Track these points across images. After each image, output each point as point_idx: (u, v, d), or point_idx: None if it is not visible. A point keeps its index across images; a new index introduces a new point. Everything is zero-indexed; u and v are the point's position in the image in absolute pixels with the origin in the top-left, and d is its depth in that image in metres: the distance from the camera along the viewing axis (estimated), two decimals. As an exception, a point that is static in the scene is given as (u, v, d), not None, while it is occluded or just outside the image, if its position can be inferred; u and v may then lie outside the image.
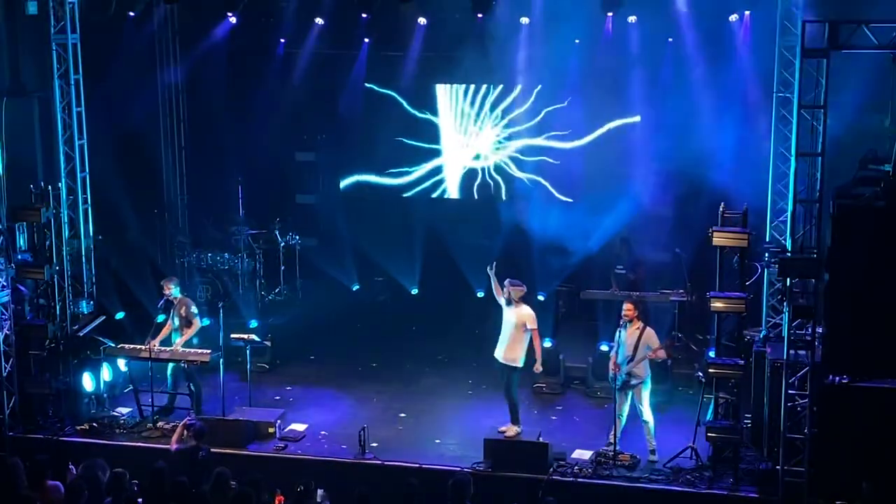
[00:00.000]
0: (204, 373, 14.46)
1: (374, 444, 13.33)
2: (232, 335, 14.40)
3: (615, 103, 18.08)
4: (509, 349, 13.40)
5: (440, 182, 19.53)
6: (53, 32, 14.74)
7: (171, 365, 14.39)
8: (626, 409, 13.08)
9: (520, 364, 13.45)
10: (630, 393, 13.06)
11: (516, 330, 13.34)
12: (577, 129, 18.48)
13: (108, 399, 14.65)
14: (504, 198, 19.10)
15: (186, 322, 14.34)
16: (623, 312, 13.10)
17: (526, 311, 13.39)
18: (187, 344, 14.31)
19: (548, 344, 15.55)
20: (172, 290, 14.36)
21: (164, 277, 15.03)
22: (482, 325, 17.61)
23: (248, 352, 14.45)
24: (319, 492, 11.13)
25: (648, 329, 13.11)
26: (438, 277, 18.65)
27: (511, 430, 13.39)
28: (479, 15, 17.12)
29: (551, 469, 12.59)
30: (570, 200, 18.52)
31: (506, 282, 13.45)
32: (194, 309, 14.43)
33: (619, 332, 13.10)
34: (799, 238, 12.00)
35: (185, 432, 12.18)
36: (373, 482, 11.93)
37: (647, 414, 13.12)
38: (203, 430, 12.09)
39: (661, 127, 17.40)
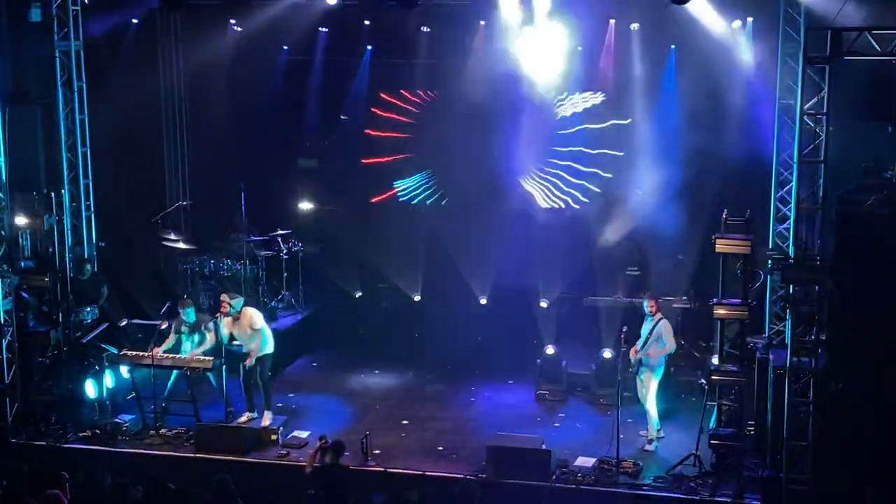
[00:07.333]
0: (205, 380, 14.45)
1: (377, 452, 13.31)
2: (234, 342, 14.39)
3: (617, 108, 18.10)
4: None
5: (440, 188, 19.57)
6: (57, 39, 14.79)
7: (175, 373, 14.36)
8: (646, 397, 13.52)
9: None
10: (642, 378, 13.46)
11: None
12: (577, 137, 18.49)
13: (111, 406, 14.63)
14: (508, 202, 19.06)
15: (203, 338, 14.39)
16: (647, 308, 13.58)
17: None
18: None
19: (551, 350, 15.56)
20: (189, 313, 14.41)
21: (181, 297, 15.28)
22: (485, 332, 17.68)
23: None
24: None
25: (665, 321, 13.51)
26: (441, 284, 18.64)
27: None
28: (482, 22, 17.22)
29: (554, 476, 12.57)
30: (561, 206, 18.59)
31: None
32: (211, 325, 14.43)
33: (644, 325, 13.59)
34: (802, 245, 11.99)
35: (321, 454, 11.87)
36: (375, 489, 11.91)
37: (650, 403, 13.46)
38: (343, 448, 11.93)
39: (662, 133, 17.39)
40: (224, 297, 14.16)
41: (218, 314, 14.08)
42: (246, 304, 14.40)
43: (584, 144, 18.46)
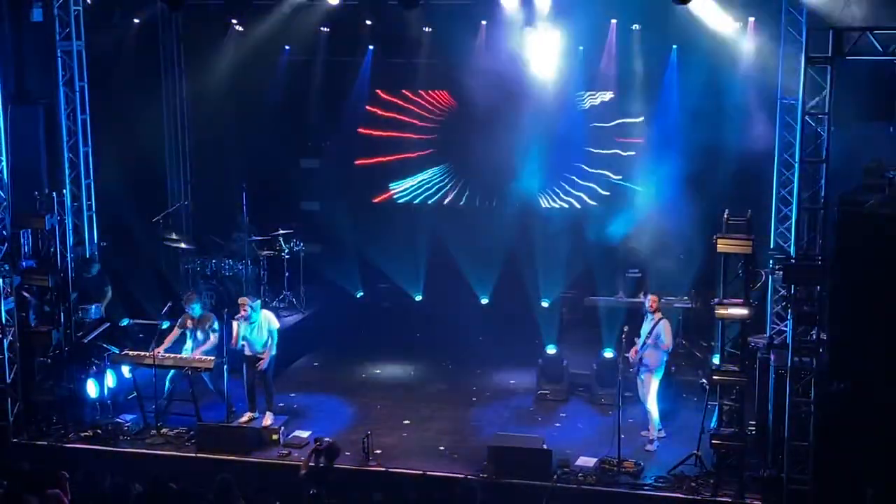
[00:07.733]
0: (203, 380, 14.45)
1: (378, 451, 13.31)
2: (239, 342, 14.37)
3: (618, 109, 18.11)
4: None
5: (442, 188, 19.57)
6: (59, 39, 14.78)
7: (171, 371, 14.35)
8: (647, 396, 13.54)
9: None
10: (643, 378, 13.47)
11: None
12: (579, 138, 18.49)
13: (112, 406, 14.63)
14: (509, 202, 19.08)
15: (206, 337, 14.38)
16: (647, 305, 13.60)
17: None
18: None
19: (552, 350, 15.56)
20: (194, 308, 14.38)
21: (186, 291, 15.25)
22: (486, 331, 17.68)
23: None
24: None
25: (664, 321, 13.50)
26: (442, 284, 18.66)
27: None
28: (484, 22, 17.22)
29: (555, 476, 12.57)
30: (565, 206, 18.57)
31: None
32: (216, 325, 14.38)
33: (644, 325, 13.57)
34: (803, 245, 12.00)
35: (314, 456, 11.91)
36: (376, 489, 11.91)
37: (651, 402, 13.49)
38: (336, 452, 11.97)
39: (663, 133, 17.40)
40: (244, 299, 14.06)
41: (238, 317, 14.00)
42: None
43: (587, 145, 18.50)
